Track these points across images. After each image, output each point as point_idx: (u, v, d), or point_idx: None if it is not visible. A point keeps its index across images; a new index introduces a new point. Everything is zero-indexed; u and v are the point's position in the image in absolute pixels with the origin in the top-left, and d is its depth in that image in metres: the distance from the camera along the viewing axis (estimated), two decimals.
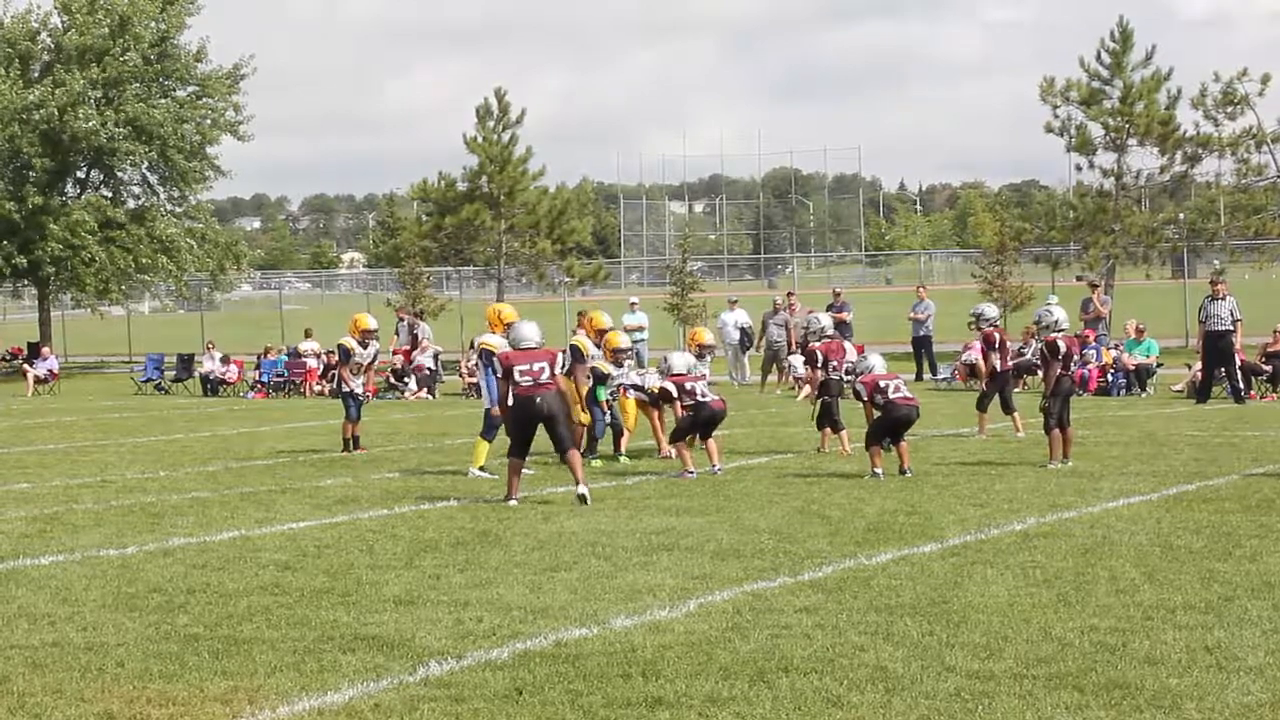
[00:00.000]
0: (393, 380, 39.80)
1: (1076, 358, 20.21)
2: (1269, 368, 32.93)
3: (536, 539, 13.86)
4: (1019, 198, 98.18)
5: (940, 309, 43.44)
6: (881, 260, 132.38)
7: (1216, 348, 31.04)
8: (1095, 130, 52.26)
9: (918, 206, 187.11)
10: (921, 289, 44.41)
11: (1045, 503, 15.51)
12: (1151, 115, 51.31)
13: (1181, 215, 54.62)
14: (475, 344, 22.07)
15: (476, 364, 22.19)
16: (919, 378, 40.89)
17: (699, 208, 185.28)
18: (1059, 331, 19.40)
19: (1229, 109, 50.51)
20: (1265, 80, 50.11)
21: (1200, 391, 31.06)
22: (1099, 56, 52.60)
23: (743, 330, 41.60)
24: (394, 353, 41.30)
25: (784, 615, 10.18)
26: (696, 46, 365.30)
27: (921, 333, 41.82)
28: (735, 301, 44.05)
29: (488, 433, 19.52)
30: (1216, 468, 18.35)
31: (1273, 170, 51.17)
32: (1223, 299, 31.35)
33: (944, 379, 39.13)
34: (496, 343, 18.71)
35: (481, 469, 19.39)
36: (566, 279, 55.82)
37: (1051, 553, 12.44)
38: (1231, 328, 30.98)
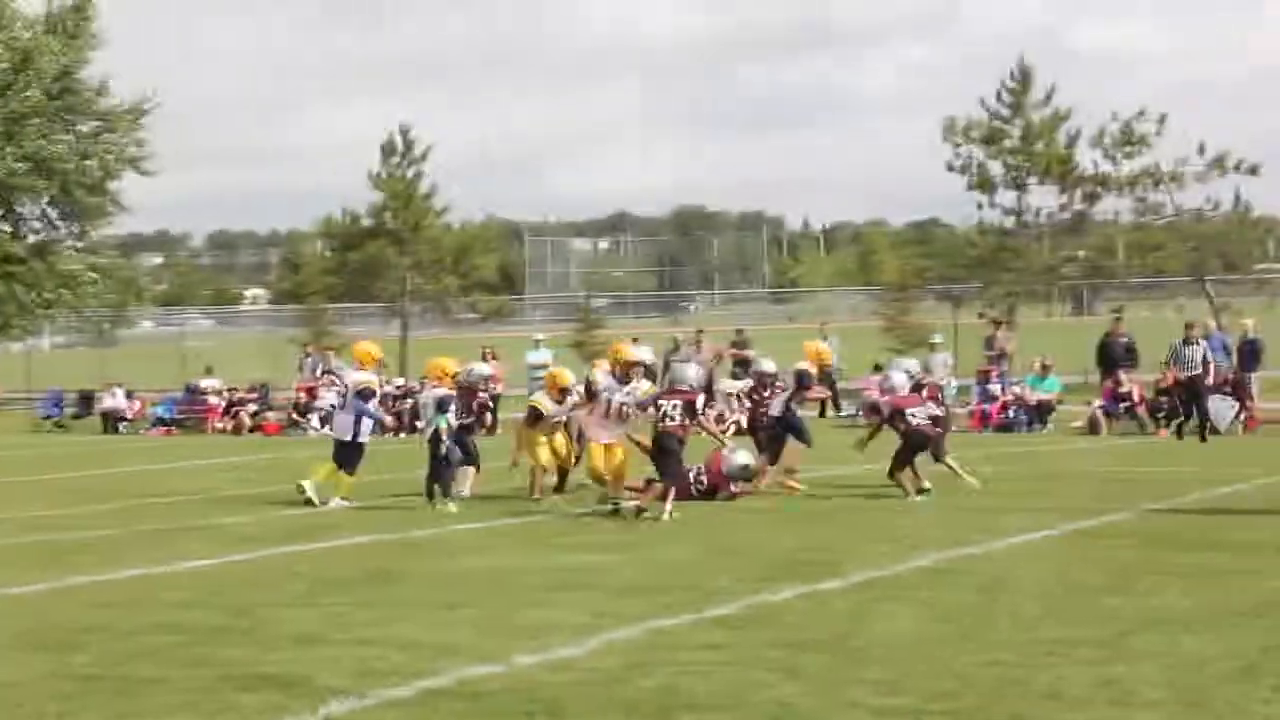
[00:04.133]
0: (295, 417, 39.55)
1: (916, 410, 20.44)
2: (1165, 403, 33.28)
3: (440, 576, 13.81)
4: (921, 235, 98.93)
5: (843, 346, 43.66)
6: (785, 298, 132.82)
7: (1190, 390, 31.28)
8: (996, 169, 52.79)
9: (821, 244, 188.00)
10: (824, 326, 44.69)
11: (948, 538, 15.58)
12: (1051, 154, 51.89)
13: (1081, 253, 55.23)
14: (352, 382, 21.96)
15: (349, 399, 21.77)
16: (822, 414, 41.04)
17: (604, 244, 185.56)
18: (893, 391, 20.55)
19: (1127, 148, 51.10)
20: (1163, 120, 50.74)
21: (1200, 430, 30.75)
22: (999, 96, 53.18)
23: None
24: (297, 389, 41.08)
25: (687, 652, 10.17)
26: (608, 83, 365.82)
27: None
28: (638, 340, 44.04)
29: (350, 467, 20.50)
30: (1116, 504, 18.50)
31: (1170, 209, 51.79)
32: (1195, 343, 31.67)
33: (849, 415, 39.29)
34: (371, 379, 20.85)
35: (344, 498, 20.25)
36: (471, 315, 55.73)
37: (954, 588, 12.51)
38: (1200, 370, 31.21)
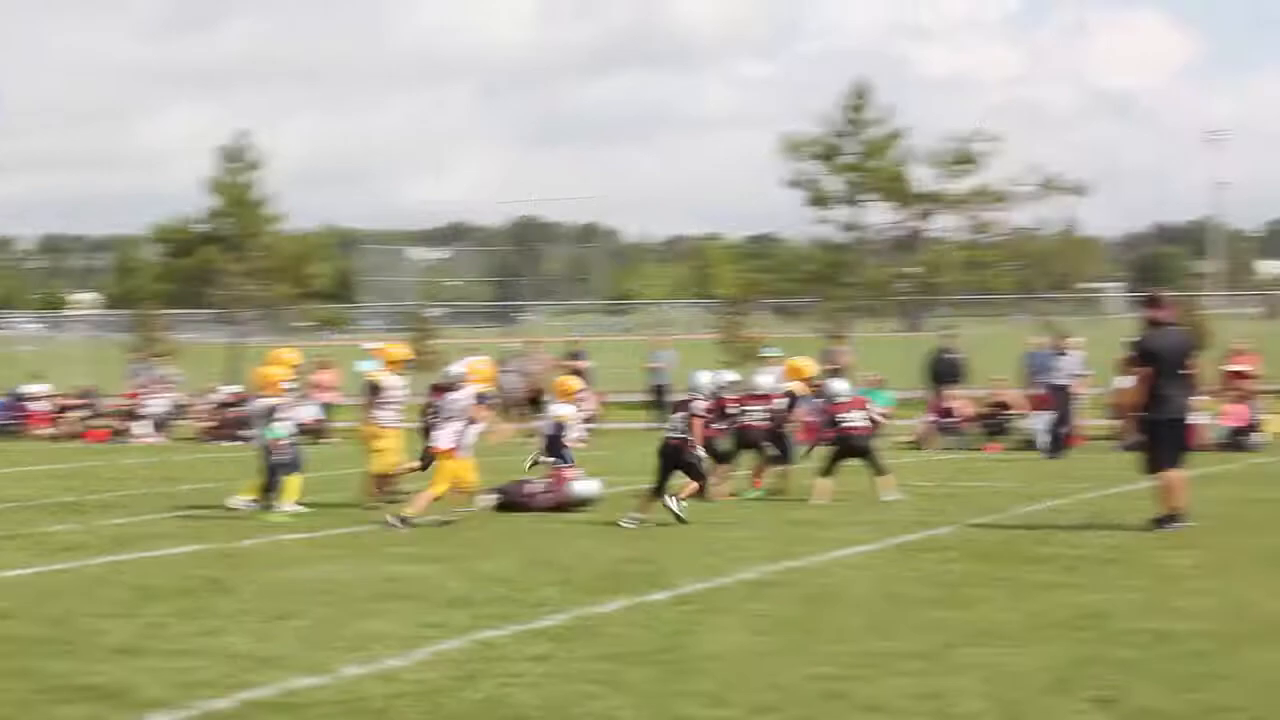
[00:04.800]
0: (123, 424, 39.02)
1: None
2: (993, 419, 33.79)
3: (266, 586, 13.69)
4: (757, 249, 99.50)
5: (679, 359, 43.83)
6: (621, 309, 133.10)
7: (1059, 399, 31.65)
8: (832, 185, 53.37)
9: (657, 256, 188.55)
10: (661, 338, 44.85)
11: (774, 551, 15.70)
12: (886, 172, 52.61)
13: (913, 269, 55.99)
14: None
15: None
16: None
17: (441, 254, 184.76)
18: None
19: (960, 167, 51.92)
20: (996, 140, 51.64)
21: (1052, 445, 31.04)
22: (837, 114, 53.79)
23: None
24: (128, 395, 40.54)
25: (514, 664, 10.18)
26: (448, 92, 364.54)
27: (660, 382, 42.14)
28: (473, 350, 43.96)
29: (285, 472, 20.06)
30: (940, 517, 18.75)
31: (1001, 227, 52.63)
32: (1066, 354, 32.11)
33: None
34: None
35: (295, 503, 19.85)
36: (305, 323, 55.32)
37: (780, 601, 12.61)
38: (1068, 382, 31.60)
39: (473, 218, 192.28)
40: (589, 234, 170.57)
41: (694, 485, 19.38)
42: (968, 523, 18.21)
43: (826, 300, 52.59)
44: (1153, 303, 18.32)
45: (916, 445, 33.15)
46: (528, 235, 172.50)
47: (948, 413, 34.01)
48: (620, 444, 34.80)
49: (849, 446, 21.09)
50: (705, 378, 20.64)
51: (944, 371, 35.55)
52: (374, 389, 20.73)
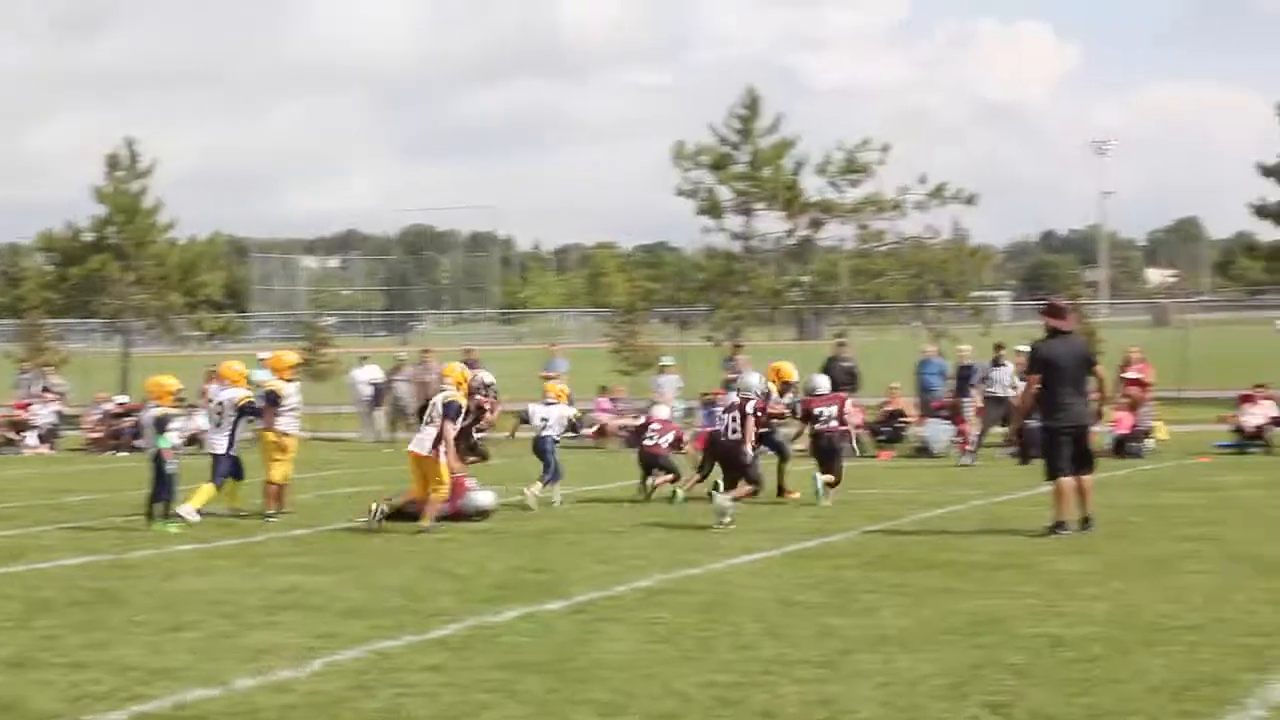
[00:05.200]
0: (10, 435, 38.55)
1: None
2: (887, 427, 34.02)
3: (159, 598, 13.56)
4: (650, 258, 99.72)
5: (572, 367, 43.81)
6: (515, 318, 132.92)
7: (996, 410, 31.91)
8: (724, 194, 53.45)
9: (551, 265, 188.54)
10: (554, 347, 44.82)
11: (670, 559, 15.72)
12: (778, 181, 52.73)
13: (806, 278, 56.19)
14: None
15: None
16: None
17: (334, 263, 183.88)
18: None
19: (852, 176, 52.15)
20: (886, 149, 51.89)
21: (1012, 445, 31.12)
22: (728, 123, 53.89)
23: (376, 386, 41.30)
24: (15, 406, 40.07)
25: (409, 674, 10.13)
26: (338, 101, 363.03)
27: None
28: (366, 358, 43.80)
29: (219, 479, 20.30)
30: (834, 525, 18.84)
31: (892, 236, 52.91)
32: (1004, 365, 32.34)
33: (575, 436, 39.41)
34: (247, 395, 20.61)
35: (199, 510, 19.85)
36: (196, 332, 54.83)
37: (676, 609, 12.62)
38: (1006, 393, 31.82)
39: (365, 226, 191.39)
40: (481, 243, 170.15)
41: (747, 488, 19.87)
42: (863, 530, 18.32)
43: (719, 309, 52.67)
44: (1052, 310, 18.51)
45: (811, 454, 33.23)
46: (420, 244, 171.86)
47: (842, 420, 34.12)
48: (513, 452, 34.72)
49: (821, 444, 21.39)
50: (756, 379, 21.21)
51: (837, 379, 35.69)
52: (272, 397, 20.65)
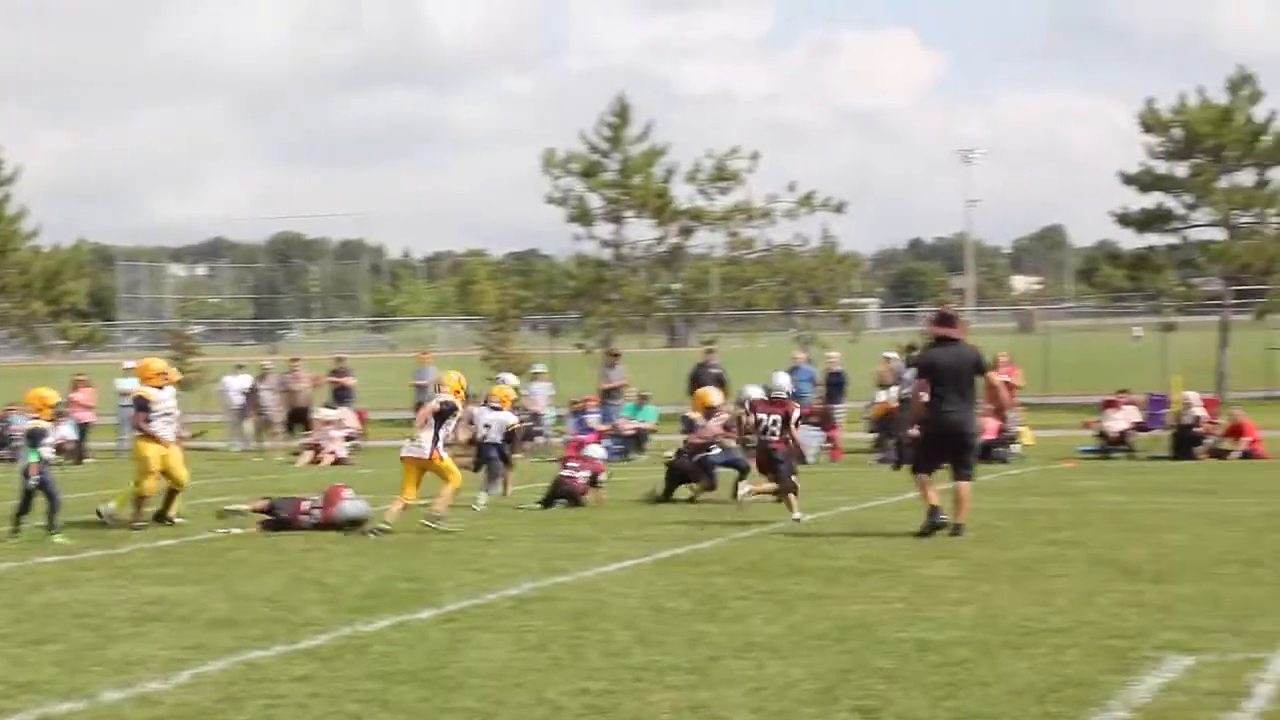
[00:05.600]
0: None
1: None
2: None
3: (23, 610, 13.38)
4: (521, 266, 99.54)
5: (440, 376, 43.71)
6: (385, 326, 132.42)
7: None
8: (595, 201, 53.52)
9: (421, 273, 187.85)
10: (425, 355, 44.69)
11: (541, 567, 15.72)
12: (648, 189, 52.86)
13: (676, 286, 56.38)
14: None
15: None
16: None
17: (201, 270, 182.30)
18: None
19: (721, 184, 52.40)
20: (755, 157, 52.21)
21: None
22: (599, 130, 53.97)
23: (246, 394, 40.96)
24: None
25: (279, 684, 10.06)
26: (207, 107, 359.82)
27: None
28: (242, 366, 43.47)
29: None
30: (705, 531, 18.92)
31: (761, 244, 53.21)
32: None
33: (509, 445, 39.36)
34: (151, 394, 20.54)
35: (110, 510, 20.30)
36: (60, 341, 54.12)
37: (547, 616, 12.62)
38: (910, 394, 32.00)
39: (233, 234, 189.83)
40: (351, 251, 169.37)
41: (769, 486, 20.64)
42: (732, 537, 18.40)
43: (590, 316, 52.77)
44: (942, 320, 19.10)
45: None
46: (289, 252, 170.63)
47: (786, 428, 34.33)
48: (385, 461, 34.58)
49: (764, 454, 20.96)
50: (785, 379, 21.47)
51: (706, 385, 35.85)
52: (141, 403, 20.48)
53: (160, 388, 20.75)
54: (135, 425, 20.77)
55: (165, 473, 20.42)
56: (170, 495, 20.67)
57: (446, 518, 19.55)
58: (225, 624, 12.51)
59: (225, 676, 10.36)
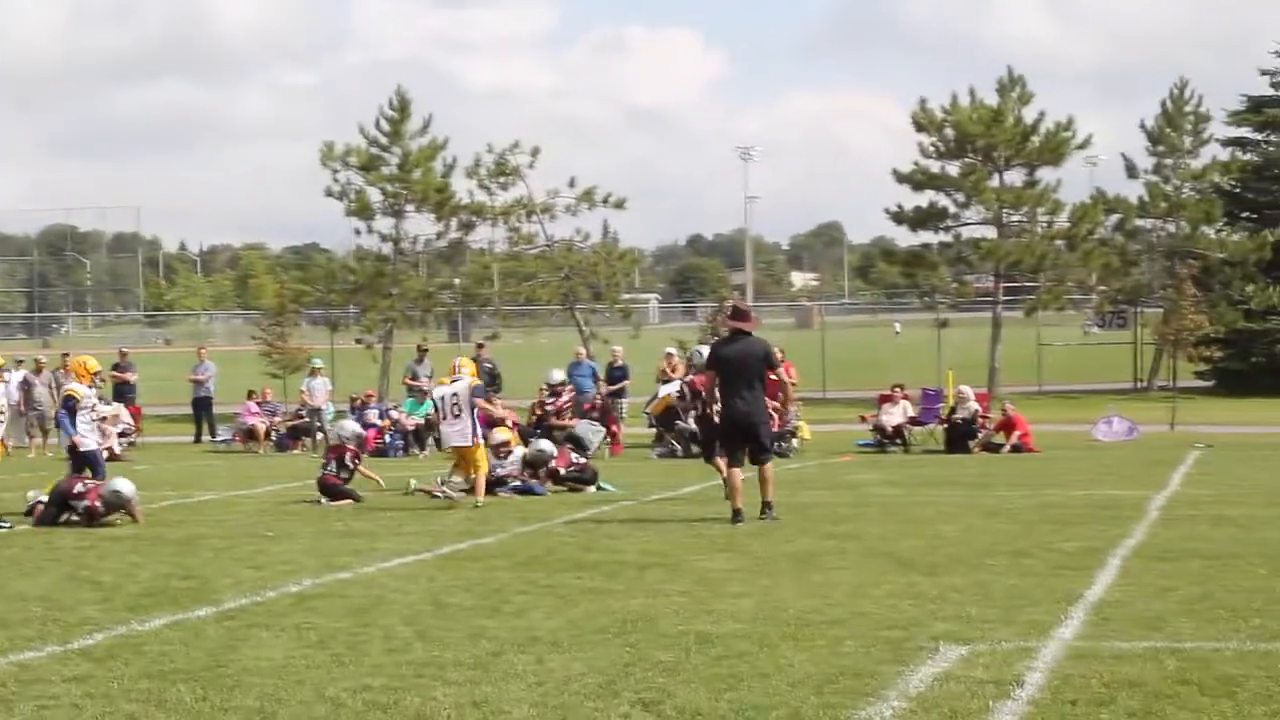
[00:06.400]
0: None
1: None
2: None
3: None
4: (300, 260, 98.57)
5: (221, 371, 43.20)
6: (161, 320, 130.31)
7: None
8: (375, 195, 53.20)
9: (198, 267, 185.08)
10: (202, 350, 44.12)
11: (321, 564, 15.60)
12: (428, 183, 52.67)
13: (457, 280, 56.26)
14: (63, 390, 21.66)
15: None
16: (198, 439, 40.50)
17: None
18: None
19: (502, 179, 52.35)
20: (535, 153, 52.23)
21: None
22: (378, 124, 53.65)
23: (20, 389, 39.97)
24: None
25: (52, 685, 9.86)
26: None
27: (202, 394, 41.46)
28: (22, 361, 42.50)
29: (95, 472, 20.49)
30: (486, 526, 18.90)
31: (542, 239, 53.24)
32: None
33: (223, 440, 38.94)
34: (81, 390, 20.78)
35: None
36: None
37: (327, 613, 12.52)
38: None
39: (3, 226, 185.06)
40: (126, 244, 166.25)
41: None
42: (515, 531, 18.41)
43: (370, 311, 52.43)
44: (736, 314, 20.36)
45: None
46: (61, 244, 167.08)
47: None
48: (161, 457, 34.09)
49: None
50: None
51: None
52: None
53: None
54: None
55: None
56: None
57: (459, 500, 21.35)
58: None
59: None
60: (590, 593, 13.47)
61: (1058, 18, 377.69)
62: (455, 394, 21.59)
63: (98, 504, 19.41)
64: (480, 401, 22.06)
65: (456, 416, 21.55)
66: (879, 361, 59.13)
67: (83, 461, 20.56)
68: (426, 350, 41.83)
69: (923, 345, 59.87)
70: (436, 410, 22.69)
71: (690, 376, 25.51)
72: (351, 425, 24.96)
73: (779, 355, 21.54)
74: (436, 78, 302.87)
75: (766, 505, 19.07)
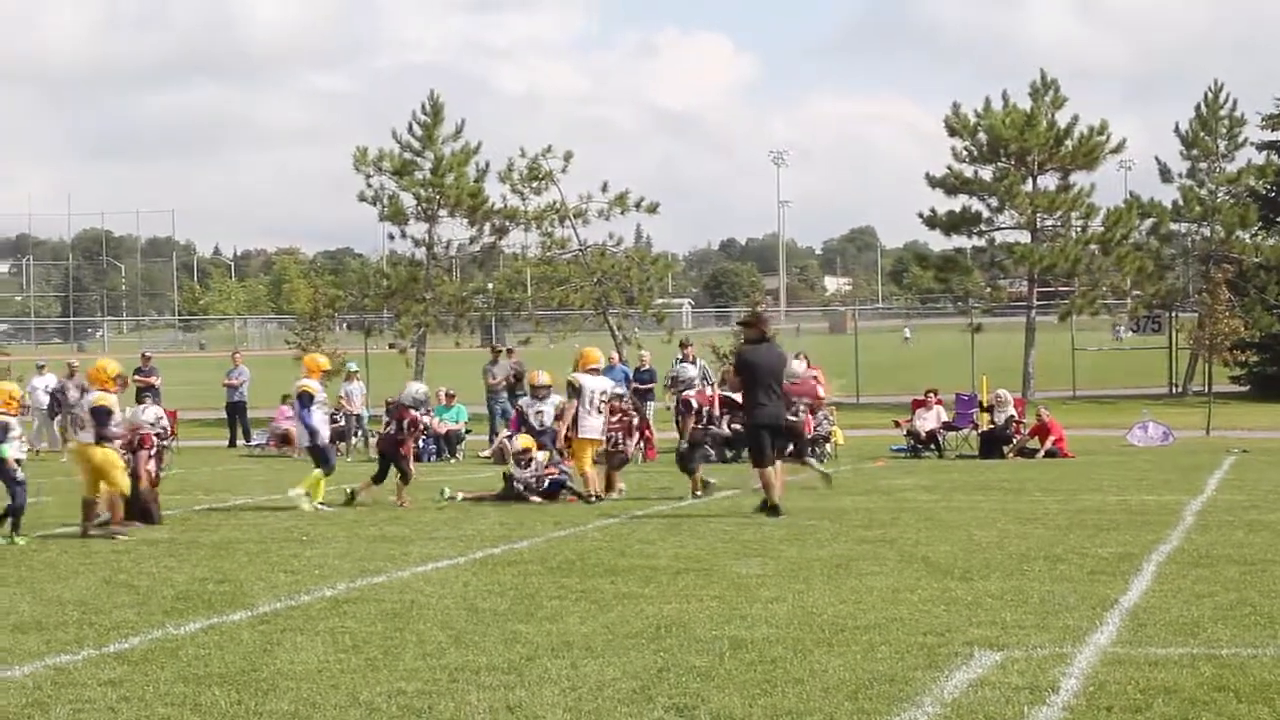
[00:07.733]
0: None
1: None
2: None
3: None
4: (334, 265, 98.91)
5: (255, 375, 43.29)
6: (195, 325, 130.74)
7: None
8: (408, 200, 53.30)
9: (232, 271, 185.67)
10: (237, 354, 44.22)
11: (355, 568, 15.63)
12: (462, 188, 52.75)
13: (490, 285, 56.33)
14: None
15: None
16: (232, 444, 40.60)
17: (4, 268, 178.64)
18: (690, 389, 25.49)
19: (534, 184, 52.42)
20: (568, 157, 52.31)
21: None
22: (411, 128, 53.75)
23: (52, 394, 40.17)
24: None
25: (88, 689, 9.90)
26: (7, 99, 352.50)
27: (236, 399, 41.58)
28: (44, 366, 42.69)
29: (325, 466, 22.08)
30: (520, 531, 18.92)
31: (575, 244, 53.29)
32: (692, 362, 32.62)
33: (258, 445, 39.02)
34: (315, 386, 22.26)
35: (322, 504, 21.76)
36: None
37: (361, 618, 12.54)
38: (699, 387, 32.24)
39: (38, 230, 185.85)
40: (160, 248, 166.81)
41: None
42: (549, 536, 18.41)
43: (404, 316, 52.53)
44: (754, 321, 21.34)
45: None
46: (97, 249, 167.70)
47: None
48: (195, 462, 34.20)
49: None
50: (800, 366, 23.57)
51: (515, 385, 36.00)
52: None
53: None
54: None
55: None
56: None
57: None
58: (32, 627, 12.29)
59: (31, 681, 10.18)
60: (624, 597, 13.46)
61: (1089, 20, 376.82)
62: (605, 391, 23.02)
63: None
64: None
65: (600, 412, 22.83)
66: (914, 366, 59.01)
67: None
68: (501, 351, 41.73)
69: (957, 350, 59.75)
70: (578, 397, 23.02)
71: (696, 390, 26.15)
72: (418, 385, 24.74)
73: (805, 363, 22.52)
74: (467, 81, 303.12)
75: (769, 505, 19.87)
